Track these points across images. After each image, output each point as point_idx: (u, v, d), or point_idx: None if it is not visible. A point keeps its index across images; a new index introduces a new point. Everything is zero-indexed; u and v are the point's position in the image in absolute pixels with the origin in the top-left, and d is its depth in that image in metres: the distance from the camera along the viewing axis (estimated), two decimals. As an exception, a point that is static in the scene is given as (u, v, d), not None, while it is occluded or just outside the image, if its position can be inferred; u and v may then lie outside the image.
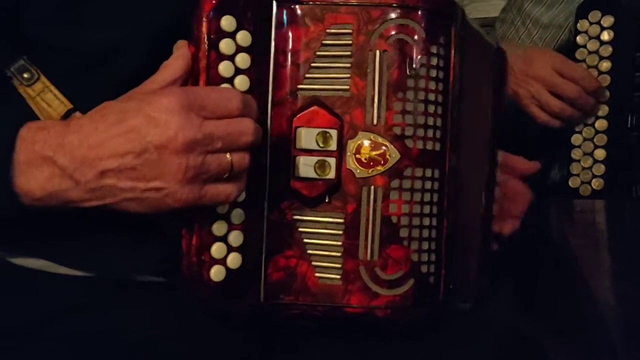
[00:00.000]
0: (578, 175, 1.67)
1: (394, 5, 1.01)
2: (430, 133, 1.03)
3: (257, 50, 0.98)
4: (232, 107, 0.90)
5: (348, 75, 1.01)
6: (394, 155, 1.01)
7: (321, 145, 1.00)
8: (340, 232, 1.02)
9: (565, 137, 1.70)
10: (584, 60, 1.71)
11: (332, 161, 1.01)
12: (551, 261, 1.52)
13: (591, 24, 1.71)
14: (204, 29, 0.94)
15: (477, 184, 1.17)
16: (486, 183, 1.20)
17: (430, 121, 1.03)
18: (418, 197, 1.02)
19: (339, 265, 1.02)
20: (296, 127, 1.01)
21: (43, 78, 0.97)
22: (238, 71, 0.96)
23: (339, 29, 1.02)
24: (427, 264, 1.04)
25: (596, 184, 1.67)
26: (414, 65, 1.02)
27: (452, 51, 1.05)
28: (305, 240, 1.03)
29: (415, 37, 1.02)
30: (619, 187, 1.66)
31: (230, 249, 0.98)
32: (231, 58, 0.96)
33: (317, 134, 1.00)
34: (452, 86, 1.05)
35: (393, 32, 1.01)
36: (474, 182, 1.15)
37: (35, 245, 1.03)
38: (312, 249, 1.03)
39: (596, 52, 1.70)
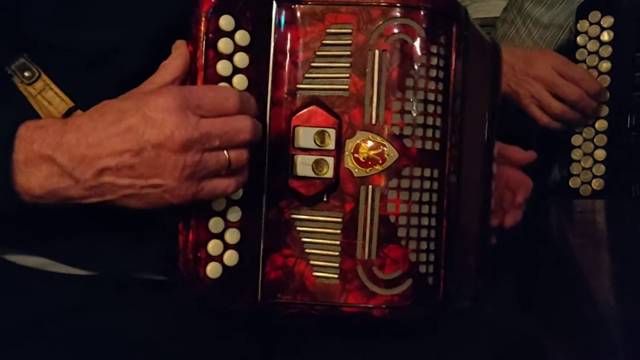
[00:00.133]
0: (578, 175, 1.67)
1: (395, 4, 1.00)
2: (429, 133, 1.02)
3: (256, 49, 0.98)
4: (229, 106, 0.90)
5: (347, 75, 1.01)
6: (392, 154, 1.00)
7: (319, 144, 1.00)
8: (338, 231, 1.01)
9: (565, 138, 1.70)
10: (584, 61, 1.70)
11: (330, 160, 1.00)
12: (551, 261, 1.51)
13: (591, 24, 1.70)
14: (203, 28, 0.94)
15: (475, 181, 1.16)
16: (484, 179, 1.19)
17: (430, 121, 1.02)
18: (417, 197, 1.02)
19: (336, 265, 1.01)
20: (294, 127, 1.01)
21: (44, 76, 0.97)
22: (236, 70, 0.96)
23: (339, 29, 1.01)
24: (426, 264, 1.03)
25: (596, 184, 1.66)
26: (413, 65, 1.01)
27: (453, 51, 1.04)
28: (303, 239, 1.02)
29: (416, 36, 1.01)
30: (619, 186, 1.65)
31: (227, 247, 0.97)
32: (229, 57, 0.96)
33: (315, 133, 1.00)
34: (453, 86, 1.05)
35: (393, 32, 1.00)
36: (472, 180, 1.14)
37: (35, 244, 1.03)
38: (310, 248, 1.02)
39: (596, 52, 1.70)
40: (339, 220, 1.01)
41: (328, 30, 1.01)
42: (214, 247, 0.96)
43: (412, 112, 1.01)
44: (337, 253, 1.01)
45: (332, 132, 1.00)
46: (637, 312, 1.23)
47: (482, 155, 1.18)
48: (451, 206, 1.06)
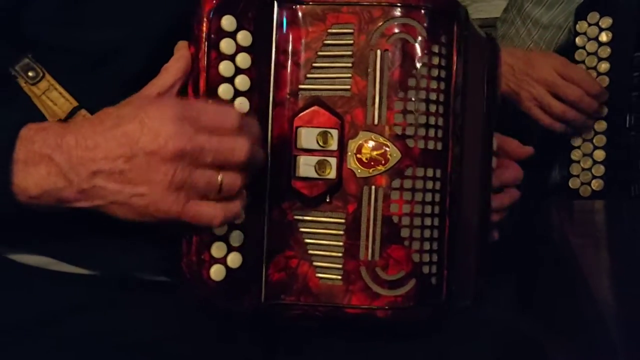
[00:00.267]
0: (578, 176, 1.66)
1: (396, 4, 1.00)
2: (431, 132, 1.02)
3: (258, 50, 0.97)
4: (227, 124, 0.90)
5: (349, 75, 1.00)
6: (395, 155, 0.99)
7: (322, 145, 0.99)
8: (341, 232, 1.01)
9: (565, 139, 1.69)
10: (583, 62, 1.70)
11: (332, 161, 1.00)
12: (551, 261, 1.51)
13: (590, 25, 1.70)
14: (204, 28, 0.94)
15: (475, 179, 1.15)
16: (483, 176, 1.18)
17: (432, 120, 1.01)
18: (419, 197, 1.01)
19: (339, 266, 1.01)
20: (297, 127, 1.00)
21: (48, 76, 0.97)
22: (238, 71, 0.95)
23: (341, 29, 1.00)
24: (429, 265, 1.02)
25: (596, 184, 1.66)
26: (415, 65, 1.00)
27: (454, 50, 1.04)
28: (306, 240, 1.02)
29: (417, 36, 1.00)
30: (618, 186, 1.65)
31: (230, 249, 0.97)
32: (231, 58, 0.95)
33: (318, 134, 0.99)
34: (454, 85, 1.04)
35: (394, 32, 1.00)
36: (472, 177, 1.14)
37: (38, 243, 1.02)
38: (313, 249, 1.02)
39: (595, 53, 1.70)
40: (342, 221, 1.00)
41: (329, 30, 1.01)
42: (217, 249, 0.96)
43: (415, 112, 1.00)
44: (340, 254, 1.01)
45: (334, 133, 0.99)
46: (637, 312, 1.23)
47: (482, 153, 1.17)
48: (453, 205, 1.05)
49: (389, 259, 1.00)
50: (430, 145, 1.01)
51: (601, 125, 1.67)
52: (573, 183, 1.66)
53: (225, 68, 0.94)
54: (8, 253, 1.04)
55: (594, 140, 1.67)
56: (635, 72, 1.67)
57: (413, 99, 1.00)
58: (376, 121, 1.00)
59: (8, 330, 1.01)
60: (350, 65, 1.00)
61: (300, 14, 1.01)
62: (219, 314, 1.03)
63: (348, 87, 1.00)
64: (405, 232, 1.00)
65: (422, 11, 1.00)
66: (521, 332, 1.18)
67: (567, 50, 1.72)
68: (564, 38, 1.76)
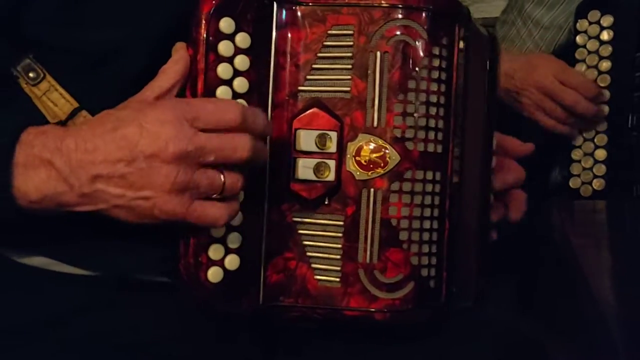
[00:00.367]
0: (579, 175, 1.66)
1: (396, 5, 0.99)
2: (431, 135, 1.01)
3: (257, 52, 0.96)
4: (229, 120, 0.89)
5: (349, 77, 0.99)
6: (394, 157, 0.99)
7: (320, 147, 0.99)
8: (340, 234, 1.00)
9: (566, 138, 1.68)
10: (583, 60, 1.69)
11: (331, 163, 0.99)
12: (552, 261, 1.50)
13: (590, 23, 1.69)
14: (203, 31, 0.93)
15: (475, 179, 1.14)
16: (483, 176, 1.17)
17: (432, 123, 1.01)
18: (419, 200, 1.00)
19: (338, 268, 1.00)
20: (296, 129, 0.99)
21: (49, 77, 0.96)
22: (237, 73, 0.94)
23: (340, 30, 0.99)
24: (428, 267, 1.01)
25: (597, 184, 1.65)
26: (415, 67, 0.99)
27: (455, 52, 1.03)
28: (305, 243, 1.01)
29: (417, 38, 0.99)
30: (620, 186, 1.64)
31: (228, 251, 0.96)
32: (230, 60, 0.94)
33: (316, 136, 0.98)
34: (455, 87, 1.03)
35: (394, 34, 0.99)
36: (472, 178, 1.13)
37: (39, 244, 1.02)
38: (312, 251, 1.01)
39: (596, 51, 1.69)
40: (341, 223, 1.00)
41: (329, 32, 1.00)
42: (215, 251, 0.95)
43: (414, 114, 0.99)
44: (338, 256, 1.00)
45: (333, 135, 0.99)
46: (638, 313, 1.22)
47: (482, 153, 1.16)
48: (453, 208, 1.04)
49: (387, 261, 0.99)
50: (430, 147, 1.01)
51: (602, 125, 1.66)
52: (574, 183, 1.66)
53: (223, 70, 0.93)
54: (9, 254, 1.04)
55: (595, 140, 1.67)
56: (637, 72, 1.66)
57: (413, 101, 0.99)
58: (376, 123, 0.99)
59: (9, 331, 1.01)
60: (350, 67, 0.99)
61: (299, 15, 1.00)
62: (218, 316, 1.02)
63: (348, 89, 0.99)
64: (403, 235, 0.99)
65: (423, 13, 0.99)
66: (522, 333, 1.18)
67: (568, 49, 1.71)
68: (565, 38, 1.75)
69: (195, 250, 0.94)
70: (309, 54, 1.00)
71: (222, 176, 0.89)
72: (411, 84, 0.99)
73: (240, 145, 0.89)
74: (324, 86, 1.00)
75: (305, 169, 0.98)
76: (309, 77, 1.00)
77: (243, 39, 0.95)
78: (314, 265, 1.01)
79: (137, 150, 0.86)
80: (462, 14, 1.04)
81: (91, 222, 0.93)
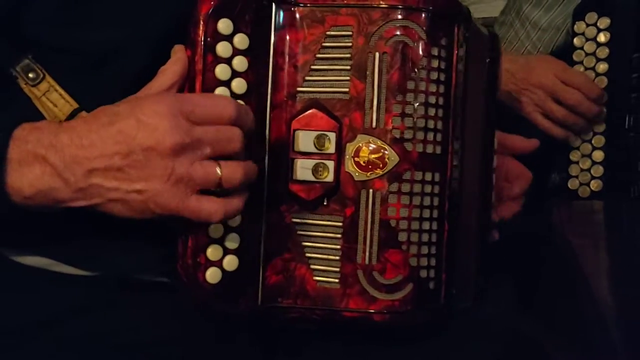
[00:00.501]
0: (577, 177, 1.65)
1: (396, 6, 0.98)
2: (430, 136, 1.00)
3: (256, 52, 0.96)
4: (224, 115, 0.88)
5: (348, 78, 0.98)
6: (393, 158, 0.98)
7: (319, 148, 0.98)
8: (339, 235, 0.99)
9: (564, 140, 1.67)
10: (581, 62, 1.68)
11: (330, 164, 0.98)
12: (552, 261, 1.50)
13: (588, 25, 1.68)
14: (201, 32, 0.92)
15: (475, 179, 1.14)
16: (484, 176, 1.16)
17: (431, 124, 1.00)
18: (417, 201, 0.99)
19: (337, 269, 0.99)
20: (294, 130, 0.98)
21: (48, 77, 0.96)
22: (235, 74, 0.94)
23: (339, 31, 0.99)
24: (427, 269, 1.00)
25: (595, 185, 1.64)
26: (414, 68, 0.98)
27: (455, 53, 1.01)
28: (304, 243, 1.00)
29: (417, 39, 0.98)
30: (617, 187, 1.63)
31: (226, 251, 0.95)
32: (228, 61, 0.93)
33: (315, 137, 0.98)
34: (454, 88, 1.02)
35: (393, 34, 0.98)
36: (473, 178, 1.12)
37: (38, 244, 1.01)
38: (311, 252, 1.00)
39: (593, 53, 1.68)
40: (340, 224, 0.99)
41: (328, 33, 0.99)
42: (213, 252, 0.94)
43: (413, 115, 0.98)
44: (337, 257, 0.99)
45: (332, 136, 0.98)
46: (637, 312, 1.21)
47: (482, 153, 1.15)
48: (452, 209, 1.03)
49: (386, 263, 0.98)
50: (429, 149, 1.00)
51: (600, 126, 1.65)
52: (572, 184, 1.65)
53: (221, 71, 0.93)
54: (8, 254, 1.03)
55: (593, 141, 1.66)
56: (634, 74, 1.65)
57: (412, 102, 0.98)
58: (374, 124, 0.98)
59: (8, 331, 1.00)
60: (348, 68, 0.98)
61: (298, 16, 0.99)
62: (216, 316, 1.01)
63: (346, 89, 0.98)
64: (402, 236, 0.98)
65: (422, 14, 0.98)
66: (521, 333, 1.19)
67: (565, 51, 1.70)
68: (562, 40, 1.74)
69: (193, 251, 0.93)
70: (308, 54, 0.99)
71: (218, 168, 0.88)
72: (410, 85, 0.98)
73: (234, 137, 0.89)
74: (323, 87, 0.99)
75: (303, 169, 0.97)
76: (307, 78, 0.99)
77: (241, 40, 0.94)
78: (312, 266, 1.00)
79: (135, 143, 0.85)
80: (461, 14, 1.03)
81: (91, 222, 0.92)
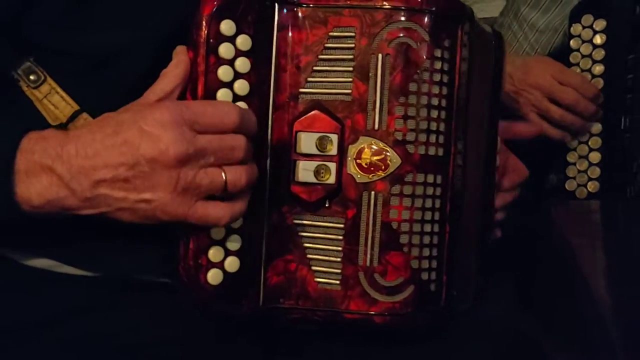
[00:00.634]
0: (574, 178, 1.64)
1: (398, 8, 0.96)
2: (433, 138, 0.98)
3: (258, 54, 0.94)
4: (227, 122, 0.88)
5: (350, 79, 0.97)
6: (395, 160, 0.96)
7: (321, 150, 0.97)
8: (340, 237, 0.98)
9: (561, 141, 1.66)
10: (577, 64, 1.68)
11: (332, 166, 0.97)
12: (551, 261, 1.49)
13: (584, 27, 1.68)
14: (203, 33, 0.91)
15: (477, 182, 1.13)
16: (486, 177, 1.16)
17: (433, 126, 0.98)
18: (419, 203, 0.98)
19: (338, 271, 0.98)
20: (297, 132, 0.97)
21: (49, 80, 0.95)
22: (237, 75, 0.93)
23: (342, 32, 0.97)
24: (428, 271, 0.99)
25: (592, 187, 1.64)
26: (417, 70, 0.97)
27: (458, 54, 1.00)
28: (305, 245, 0.99)
29: (420, 40, 0.97)
30: (614, 188, 1.63)
31: (228, 253, 0.94)
32: (230, 62, 0.92)
33: (317, 139, 0.96)
34: (457, 90, 1.01)
35: (396, 36, 0.96)
36: (475, 181, 1.11)
37: (40, 246, 1.01)
38: (312, 254, 0.99)
39: (589, 55, 1.67)
40: (341, 226, 0.98)
41: (331, 34, 0.97)
42: (214, 253, 0.93)
43: (416, 117, 0.97)
44: (339, 259, 0.98)
45: (334, 138, 0.97)
46: (634, 312, 1.21)
47: (485, 154, 1.15)
48: (454, 211, 1.02)
49: (387, 265, 0.97)
50: (431, 151, 0.98)
51: (596, 128, 1.65)
52: (569, 185, 1.65)
53: (224, 73, 0.91)
54: (11, 255, 1.03)
55: (590, 143, 1.65)
56: (629, 74, 1.65)
57: (414, 104, 0.97)
58: (377, 126, 0.96)
59: (10, 331, 1.00)
60: (351, 69, 0.97)
61: (301, 16, 0.97)
62: (218, 317, 1.01)
63: (349, 91, 0.97)
64: (404, 239, 0.97)
65: (425, 15, 0.97)
66: (521, 332, 1.17)
67: (563, 52, 1.70)
68: (559, 41, 1.74)
69: (195, 252, 0.92)
70: (311, 55, 0.98)
71: (223, 174, 0.87)
72: (413, 87, 0.97)
73: (238, 145, 0.88)
74: (325, 88, 0.98)
75: (305, 171, 0.96)
76: (310, 79, 0.98)
77: (244, 41, 0.93)
78: (314, 268, 0.99)
79: (139, 153, 0.85)
80: (465, 15, 1.02)
81: (92, 224, 0.92)
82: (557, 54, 1.71)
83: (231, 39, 0.92)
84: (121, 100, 0.91)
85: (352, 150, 0.97)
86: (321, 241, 0.99)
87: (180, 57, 0.92)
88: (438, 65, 0.98)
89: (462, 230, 1.05)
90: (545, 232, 1.58)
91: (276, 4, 0.96)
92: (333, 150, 0.96)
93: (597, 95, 1.61)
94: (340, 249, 0.98)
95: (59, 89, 0.95)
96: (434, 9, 0.97)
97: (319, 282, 0.99)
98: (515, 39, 1.76)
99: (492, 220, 1.19)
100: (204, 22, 0.90)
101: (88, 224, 0.92)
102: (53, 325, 0.99)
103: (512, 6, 1.76)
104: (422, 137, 0.97)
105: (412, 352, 1.08)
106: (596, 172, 1.63)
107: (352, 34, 0.97)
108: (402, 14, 0.96)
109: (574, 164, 1.65)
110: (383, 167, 0.96)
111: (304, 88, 0.98)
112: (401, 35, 0.96)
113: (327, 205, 0.98)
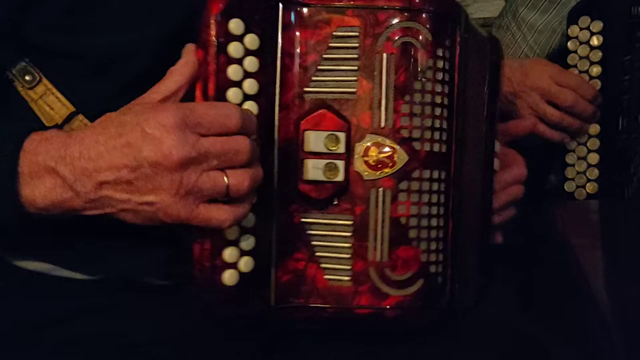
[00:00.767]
0: (573, 179, 1.66)
1: (401, 7, 0.98)
2: (437, 135, 1.01)
3: (265, 53, 0.95)
4: (230, 125, 0.88)
5: (355, 78, 0.99)
6: (402, 157, 0.98)
7: (329, 148, 0.98)
8: (350, 233, 0.99)
9: (560, 142, 1.68)
10: (575, 66, 1.69)
11: (340, 164, 0.98)
12: (552, 261, 1.50)
13: (581, 29, 1.69)
14: (213, 32, 0.91)
15: (477, 180, 1.15)
16: (485, 177, 1.18)
17: (437, 123, 1.01)
18: (426, 199, 1.00)
19: (348, 267, 1.00)
20: (304, 130, 0.98)
21: (45, 80, 0.96)
22: (247, 75, 0.93)
23: (346, 32, 0.99)
24: (436, 264, 1.02)
25: (590, 188, 1.65)
26: (420, 68, 0.99)
27: (457, 53, 1.03)
28: (314, 243, 1.00)
29: (422, 39, 0.99)
30: (613, 189, 1.65)
31: (242, 253, 0.95)
32: (240, 61, 0.93)
33: (326, 137, 0.98)
34: (457, 88, 1.03)
35: (400, 35, 0.98)
36: (474, 178, 1.13)
37: (41, 250, 1.02)
38: (321, 251, 1.00)
39: (587, 57, 1.68)
40: (350, 223, 0.99)
41: (334, 33, 0.99)
42: (230, 254, 0.93)
43: (420, 115, 0.99)
44: (348, 255, 0.99)
45: (342, 136, 0.98)
46: (634, 312, 1.22)
47: (484, 152, 1.17)
48: (456, 206, 1.04)
49: (397, 259, 0.99)
50: (436, 147, 1.01)
51: (595, 129, 1.66)
52: (569, 186, 1.66)
53: (234, 72, 0.92)
54: (12, 259, 1.04)
55: (588, 144, 1.66)
56: (626, 75, 1.66)
57: (418, 102, 0.99)
58: (383, 124, 0.98)
59: (12, 333, 1.01)
60: (356, 68, 0.98)
61: (304, 16, 0.99)
62: (227, 319, 1.02)
63: (354, 89, 0.99)
64: (413, 233, 0.99)
65: (427, 15, 0.99)
66: (523, 333, 1.17)
67: (561, 54, 1.72)
68: (558, 42, 1.75)
69: (211, 253, 0.93)
70: (315, 55, 0.99)
71: (225, 177, 0.88)
72: (417, 85, 0.99)
73: (241, 148, 0.88)
74: (331, 87, 0.99)
75: (315, 170, 0.98)
76: (314, 78, 0.99)
77: (252, 40, 0.94)
78: (323, 265, 1.00)
79: (141, 156, 0.85)
80: (461, 15, 1.04)
81: (93, 226, 0.93)
82: (555, 56, 1.73)
83: (240, 38, 0.92)
84: (124, 102, 0.91)
85: (359, 148, 0.98)
86: (330, 238, 1.00)
87: (188, 57, 0.92)
88: (440, 64, 1.00)
89: (464, 226, 1.07)
90: (545, 232, 1.59)
91: (280, 4, 0.97)
92: (341, 148, 0.98)
93: (595, 96, 1.63)
94: (349, 245, 0.99)
95: (54, 90, 0.96)
96: (433, 8, 0.99)
97: (329, 280, 1.00)
98: (514, 40, 1.77)
99: (491, 219, 1.20)
100: (212, 21, 0.91)
101: (87, 228, 0.93)
102: (55, 327, 1.01)
103: (511, 7, 1.78)
104: (427, 134, 0.99)
105: (413, 352, 1.09)
106: (595, 173, 1.65)
107: (356, 34, 0.98)
108: (405, 13, 0.98)
109: (573, 165, 1.66)
110: (390, 164, 0.98)
111: (308, 87, 0.99)
112: (405, 34, 0.98)
113: (335, 203, 0.99)
